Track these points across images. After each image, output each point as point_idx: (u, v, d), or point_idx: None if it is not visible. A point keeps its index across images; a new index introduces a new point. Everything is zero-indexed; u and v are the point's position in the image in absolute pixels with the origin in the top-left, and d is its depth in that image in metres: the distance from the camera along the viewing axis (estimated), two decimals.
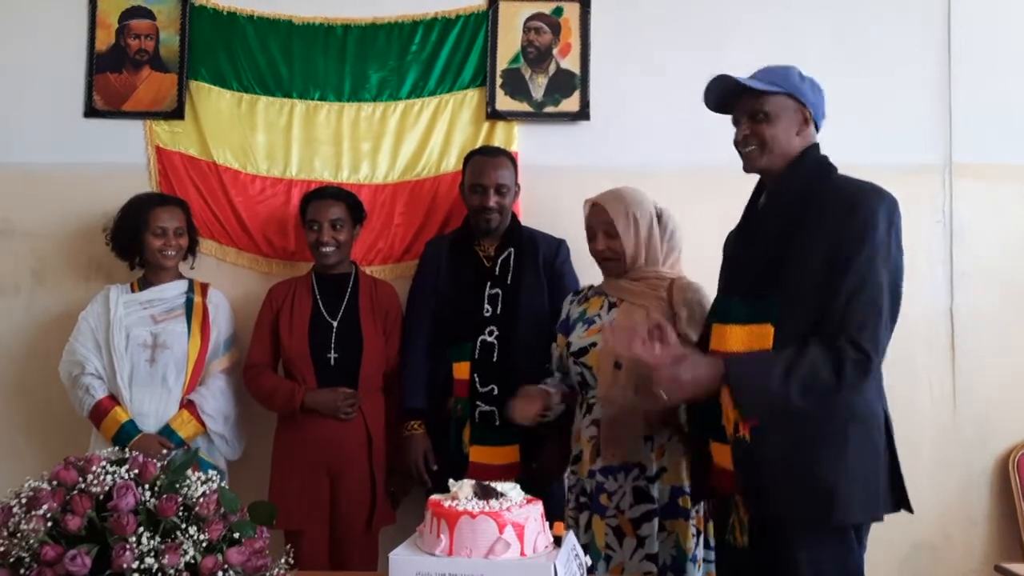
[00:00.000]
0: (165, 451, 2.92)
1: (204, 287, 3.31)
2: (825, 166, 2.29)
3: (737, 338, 2.23)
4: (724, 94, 2.34)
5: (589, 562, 2.07)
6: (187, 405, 3.12)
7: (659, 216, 2.77)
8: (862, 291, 2.09)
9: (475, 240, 3.21)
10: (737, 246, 2.43)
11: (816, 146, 2.31)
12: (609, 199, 2.75)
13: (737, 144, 2.33)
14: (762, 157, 2.28)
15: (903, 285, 2.16)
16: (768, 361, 2.12)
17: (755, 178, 2.40)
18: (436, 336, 3.17)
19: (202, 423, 3.12)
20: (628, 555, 2.61)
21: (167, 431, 3.07)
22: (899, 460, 2.21)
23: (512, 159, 3.25)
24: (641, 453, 2.63)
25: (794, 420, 2.13)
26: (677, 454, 2.64)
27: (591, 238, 2.79)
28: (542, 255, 3.19)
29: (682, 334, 2.48)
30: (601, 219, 2.74)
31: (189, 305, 3.23)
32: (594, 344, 2.70)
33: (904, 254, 2.17)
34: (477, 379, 3.07)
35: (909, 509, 2.20)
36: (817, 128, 2.32)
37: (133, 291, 3.24)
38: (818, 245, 2.14)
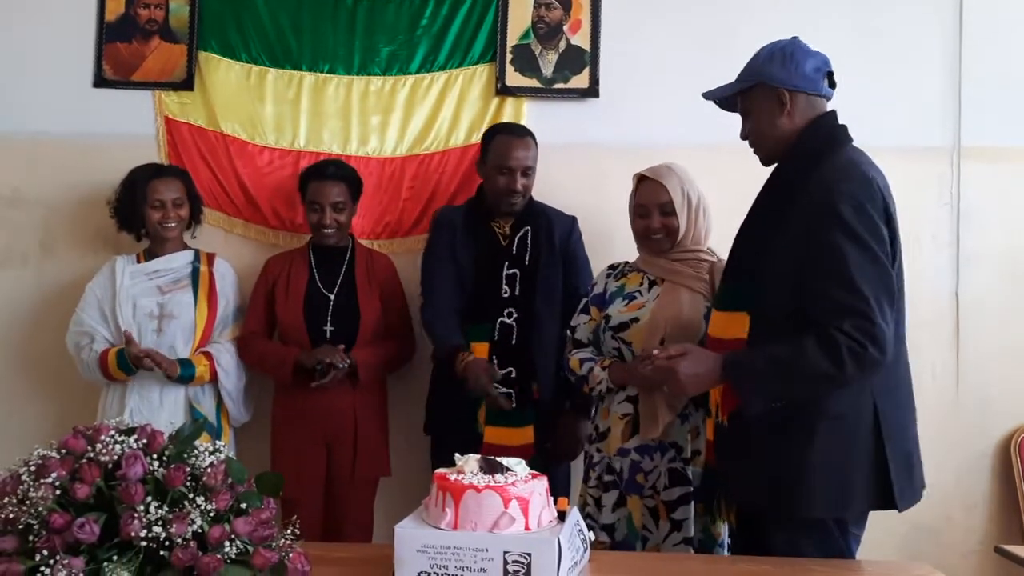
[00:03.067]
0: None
1: (211, 257, 3.31)
2: (821, 147, 2.19)
3: (718, 325, 2.24)
4: (723, 102, 2.40)
5: (592, 537, 2.09)
6: (204, 352, 3.14)
7: (703, 199, 2.75)
8: (840, 279, 2.01)
9: (491, 217, 3.16)
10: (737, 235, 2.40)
11: (815, 123, 2.22)
12: (666, 175, 2.71)
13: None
14: (758, 151, 2.31)
15: (892, 269, 2.07)
16: (764, 359, 2.09)
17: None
18: (460, 300, 3.11)
19: (214, 373, 3.13)
20: (662, 538, 2.58)
21: (186, 362, 3.09)
22: (887, 457, 2.12)
23: (535, 139, 3.17)
24: (678, 432, 2.60)
25: (768, 412, 2.10)
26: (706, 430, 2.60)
27: (643, 215, 2.73)
28: (557, 233, 3.15)
29: None
30: (658, 196, 2.69)
31: (195, 275, 3.24)
32: (635, 319, 2.66)
33: (886, 234, 2.08)
34: (495, 361, 3.02)
35: (895, 507, 2.14)
36: (820, 94, 2.24)
37: (139, 262, 3.25)
38: (795, 233, 2.10)
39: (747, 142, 2.34)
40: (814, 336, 2.01)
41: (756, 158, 2.38)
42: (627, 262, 2.86)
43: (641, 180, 2.76)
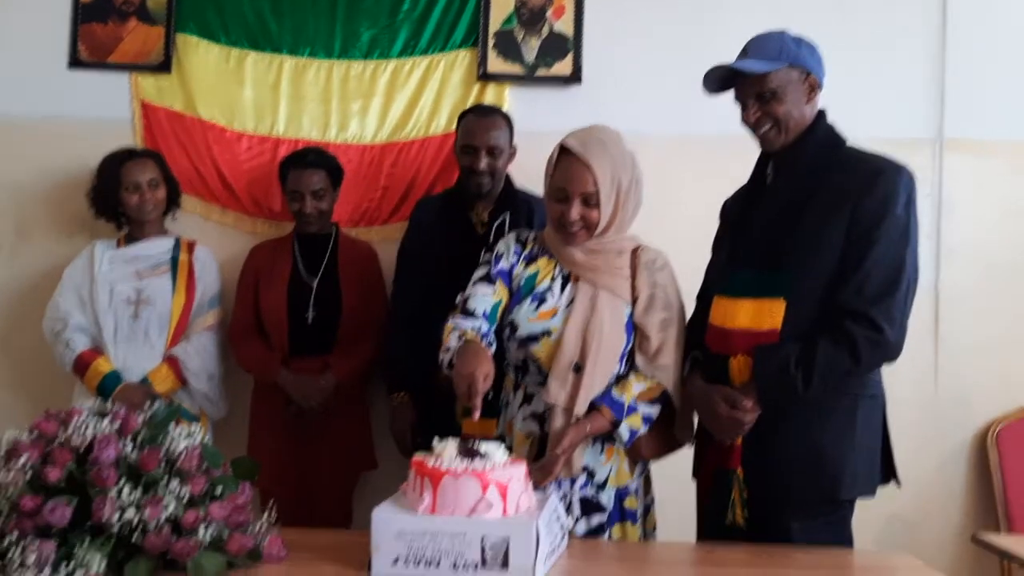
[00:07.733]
0: (148, 401, 2.93)
1: (191, 244, 3.28)
2: (835, 136, 2.26)
3: (746, 313, 2.18)
4: (723, 77, 2.27)
5: (571, 524, 2.07)
6: (169, 360, 3.11)
7: (637, 176, 2.29)
8: (880, 267, 2.07)
9: (468, 204, 3.11)
10: (744, 216, 2.34)
11: (823, 114, 2.27)
12: (596, 153, 2.20)
13: (750, 126, 2.26)
14: (780, 136, 2.22)
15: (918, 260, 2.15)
16: (784, 365, 2.09)
17: (753, 147, 2.36)
18: (426, 303, 3.04)
19: (183, 380, 3.11)
20: None
21: (144, 383, 3.07)
22: (890, 433, 2.23)
23: (507, 119, 3.14)
24: (590, 455, 2.26)
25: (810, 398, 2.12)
26: (621, 452, 2.29)
27: (561, 199, 2.23)
28: (537, 219, 3.03)
29: (637, 324, 2.26)
30: (583, 183, 2.19)
31: (175, 262, 3.21)
32: (547, 332, 2.24)
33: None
34: None
35: (897, 481, 2.23)
36: (821, 88, 2.26)
37: (119, 247, 3.22)
38: (835, 220, 2.11)
39: (758, 125, 2.23)
40: (828, 337, 2.07)
41: (741, 147, 2.35)
42: (535, 236, 2.42)
43: (563, 154, 2.25)
